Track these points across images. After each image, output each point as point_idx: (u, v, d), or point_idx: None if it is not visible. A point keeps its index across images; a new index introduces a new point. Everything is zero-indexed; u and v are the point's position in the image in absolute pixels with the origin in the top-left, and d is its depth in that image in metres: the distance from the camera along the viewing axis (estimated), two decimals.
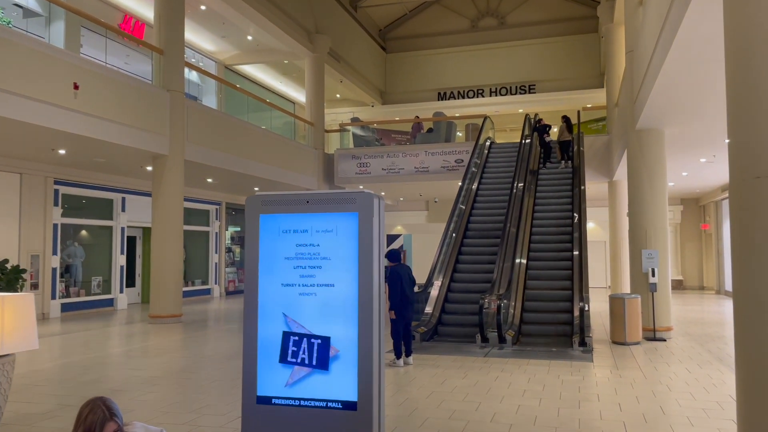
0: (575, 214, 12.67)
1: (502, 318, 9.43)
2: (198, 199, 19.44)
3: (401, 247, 27.32)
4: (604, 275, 23.44)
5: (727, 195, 20.09)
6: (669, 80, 7.45)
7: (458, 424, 5.16)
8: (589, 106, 21.67)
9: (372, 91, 26.99)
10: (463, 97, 26.57)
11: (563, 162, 16.25)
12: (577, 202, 13.06)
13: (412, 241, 26.77)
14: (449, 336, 10.50)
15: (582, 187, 13.50)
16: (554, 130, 17.58)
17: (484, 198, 15.24)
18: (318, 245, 3.98)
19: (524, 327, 10.55)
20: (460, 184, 15.00)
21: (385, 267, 5.18)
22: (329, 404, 3.88)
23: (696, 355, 8.74)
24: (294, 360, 3.95)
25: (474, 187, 15.59)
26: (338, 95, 26.55)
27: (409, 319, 8.03)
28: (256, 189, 19.50)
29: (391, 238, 27.38)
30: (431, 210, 26.78)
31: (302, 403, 3.91)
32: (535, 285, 11.59)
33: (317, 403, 3.89)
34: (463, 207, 14.59)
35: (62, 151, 12.07)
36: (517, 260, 11.97)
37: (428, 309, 11.08)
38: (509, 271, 11.32)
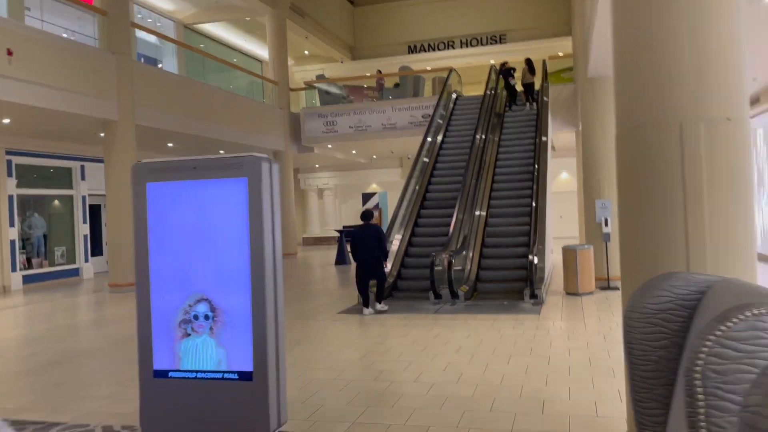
0: (536, 165, 12.57)
1: (453, 274, 9.40)
2: None
3: (377, 205, 27.29)
4: (577, 226, 23.56)
5: None
6: (606, 25, 7.24)
7: (381, 385, 5.15)
8: (560, 54, 21.33)
9: (341, 46, 26.42)
10: (434, 50, 26.06)
11: (528, 105, 16.34)
12: (537, 152, 12.94)
13: (388, 198, 26.71)
14: (407, 292, 10.48)
15: (543, 138, 13.37)
16: (519, 74, 17.40)
17: (448, 151, 15.09)
18: (207, 213, 3.85)
19: (481, 281, 10.56)
20: (422, 137, 14.83)
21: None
22: (225, 375, 3.81)
23: None
24: (188, 332, 3.87)
25: (438, 139, 15.41)
26: (306, 52, 25.99)
27: (377, 275, 8.85)
28: (222, 152, 19.21)
29: (367, 197, 27.32)
30: (405, 167, 26.58)
31: (198, 375, 3.83)
32: (493, 241, 11.56)
33: (213, 375, 3.82)
34: (426, 160, 14.44)
35: (6, 121, 11.72)
36: (477, 213, 11.92)
37: (387, 266, 11.04)
38: (467, 226, 11.26)
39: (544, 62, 17.48)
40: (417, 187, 13.65)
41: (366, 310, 8.73)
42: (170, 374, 3.91)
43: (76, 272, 15.68)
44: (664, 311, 1.89)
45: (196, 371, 3.86)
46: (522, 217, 11.88)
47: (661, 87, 3.00)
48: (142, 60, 16.84)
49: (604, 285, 10.26)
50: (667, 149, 2.96)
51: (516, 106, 16.69)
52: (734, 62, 2.97)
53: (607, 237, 10.18)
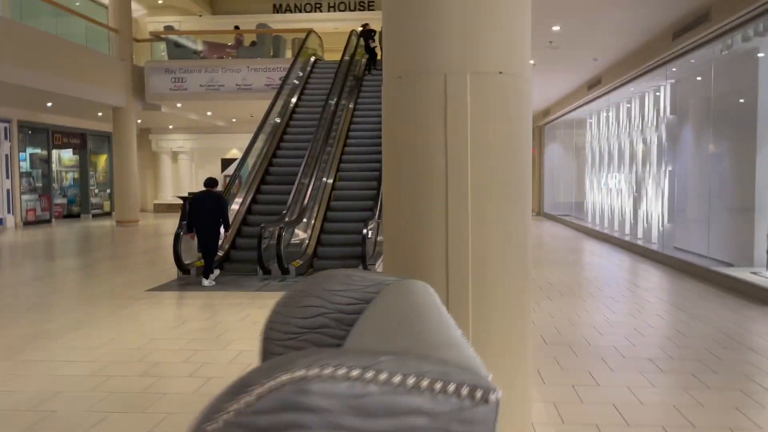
0: None
1: (283, 247, 8.67)
2: None
3: (235, 171, 25.81)
4: None
5: (552, 118, 20.76)
6: None
7: (144, 382, 4.31)
8: None
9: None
10: (300, 11, 24.85)
11: None
12: None
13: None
14: (240, 264, 9.60)
15: None
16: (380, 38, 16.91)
17: (301, 115, 14.23)
18: None
19: (319, 258, 9.94)
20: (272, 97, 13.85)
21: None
22: None
23: None
24: None
25: (292, 101, 14.49)
26: (160, 0, 23.74)
27: (209, 247, 8.34)
28: (49, 105, 16.99)
29: (227, 163, 25.76)
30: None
31: None
32: (337, 215, 10.94)
33: None
34: (278, 120, 13.51)
35: None
36: (322, 180, 11.25)
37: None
38: (311, 195, 10.54)
39: None
40: (265, 150, 12.75)
41: (204, 281, 8.30)
42: None
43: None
44: (313, 329, 1.27)
45: None
46: (370, 191, 11.37)
47: (426, 36, 2.42)
48: None
49: None
50: (429, 100, 2.38)
51: (375, 70, 16.13)
52: (511, 16, 2.45)
53: None
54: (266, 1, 24.92)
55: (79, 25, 17.54)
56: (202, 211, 8.16)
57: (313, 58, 17.12)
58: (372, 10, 24.78)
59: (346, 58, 15.52)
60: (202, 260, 9.22)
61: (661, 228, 11.20)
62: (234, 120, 24.02)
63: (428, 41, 2.39)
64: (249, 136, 25.52)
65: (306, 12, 24.85)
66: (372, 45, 16.29)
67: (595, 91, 14.10)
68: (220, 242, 8.96)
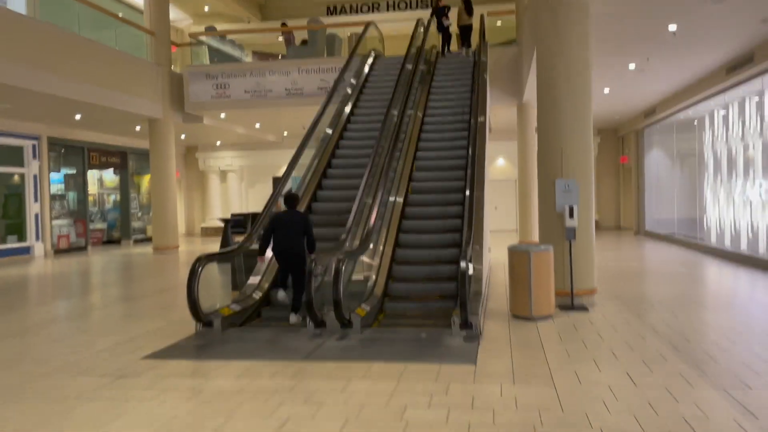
0: (470, 149, 9.21)
1: (342, 288, 5.95)
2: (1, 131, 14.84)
3: (290, 190, 23.52)
4: (514, 219, 20.69)
5: (652, 121, 17.54)
6: None
7: None
8: (498, 24, 18.25)
9: (248, 3, 22.49)
10: (356, 12, 22.53)
11: (464, 51, 14.25)
12: (473, 134, 9.57)
13: None
14: (280, 312, 6.97)
15: (481, 119, 10.00)
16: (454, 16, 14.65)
17: (361, 118, 11.66)
18: None
19: (391, 298, 7.22)
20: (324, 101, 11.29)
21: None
22: None
23: (636, 339, 5.67)
24: None
25: (347, 107, 11.94)
26: (207, 8, 21.90)
27: (298, 270, 6.57)
28: (78, 117, 15.06)
29: (279, 181, 23.49)
30: None
31: None
32: (411, 238, 8.22)
33: None
34: (330, 131, 10.97)
35: None
36: (392, 199, 8.59)
37: (252, 278, 7.51)
38: (374, 219, 7.87)
39: (482, 16, 14.32)
40: (316, 163, 10.24)
41: (291, 317, 6.60)
42: None
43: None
44: None
45: None
46: (455, 206, 8.62)
47: None
48: None
49: (566, 304, 7.12)
50: None
51: (449, 52, 14.36)
52: None
53: (570, 233, 7.03)
54: (319, 3, 22.73)
55: (119, 31, 15.60)
56: (287, 234, 6.57)
57: (372, 56, 14.61)
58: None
59: (413, 51, 12.88)
60: (233, 307, 6.68)
61: None
62: (285, 133, 21.79)
63: None
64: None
65: (362, 13, 22.50)
66: (446, 23, 14.28)
67: (742, 72, 10.83)
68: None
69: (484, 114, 10.23)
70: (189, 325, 6.47)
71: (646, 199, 18.55)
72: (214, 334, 6.19)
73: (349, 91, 12.49)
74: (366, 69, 13.76)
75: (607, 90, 13.44)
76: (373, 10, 22.50)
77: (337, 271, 5.89)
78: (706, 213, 14.19)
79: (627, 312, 6.92)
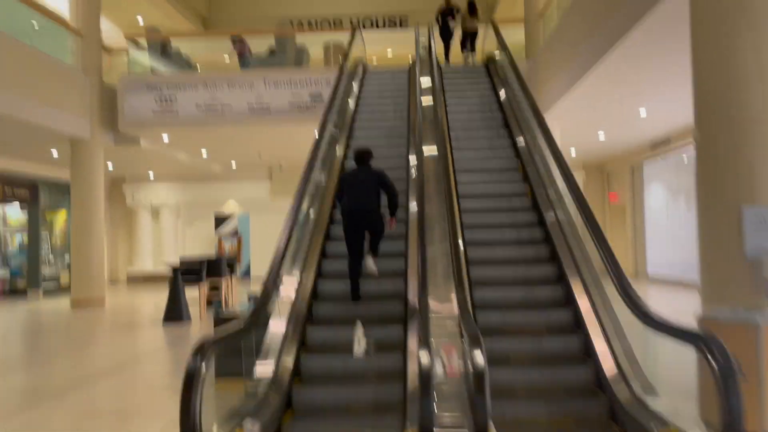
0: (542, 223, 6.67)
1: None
2: None
3: (235, 231, 20.30)
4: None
5: (656, 152, 15.89)
6: None
7: None
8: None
9: (191, 15, 19.60)
10: (316, 28, 20.11)
11: (469, 57, 12.93)
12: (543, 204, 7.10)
13: (250, 223, 19.92)
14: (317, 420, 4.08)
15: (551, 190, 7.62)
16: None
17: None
18: None
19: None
20: (317, 131, 8.28)
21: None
22: None
23: None
24: None
25: (339, 149, 9.18)
26: (141, 19, 18.78)
27: (376, 229, 5.85)
28: None
29: (220, 220, 20.26)
30: (277, 180, 20.06)
31: None
32: (488, 305, 5.58)
33: None
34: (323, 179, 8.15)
35: None
36: (460, 242, 5.91)
37: (260, 364, 4.56)
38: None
39: (493, 22, 12.13)
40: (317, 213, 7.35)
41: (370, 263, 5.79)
42: None
43: None
44: None
45: None
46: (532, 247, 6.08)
47: None
48: None
49: None
50: None
51: (447, 63, 12.95)
52: None
53: None
54: (272, 17, 20.10)
55: (24, 20, 12.26)
56: (361, 190, 5.86)
57: (361, 68, 12.10)
58: (405, 26, 20.16)
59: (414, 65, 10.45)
60: (248, 429, 3.79)
61: None
62: (233, 162, 18.70)
63: None
64: (250, 185, 20.23)
65: (322, 30, 20.09)
66: (451, 27, 12.75)
67: None
68: None
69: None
70: None
71: (649, 238, 16.75)
72: None
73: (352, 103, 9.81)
74: (357, 82, 11.20)
75: (644, 113, 11.41)
76: (335, 27, 20.15)
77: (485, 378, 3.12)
78: None
79: None
